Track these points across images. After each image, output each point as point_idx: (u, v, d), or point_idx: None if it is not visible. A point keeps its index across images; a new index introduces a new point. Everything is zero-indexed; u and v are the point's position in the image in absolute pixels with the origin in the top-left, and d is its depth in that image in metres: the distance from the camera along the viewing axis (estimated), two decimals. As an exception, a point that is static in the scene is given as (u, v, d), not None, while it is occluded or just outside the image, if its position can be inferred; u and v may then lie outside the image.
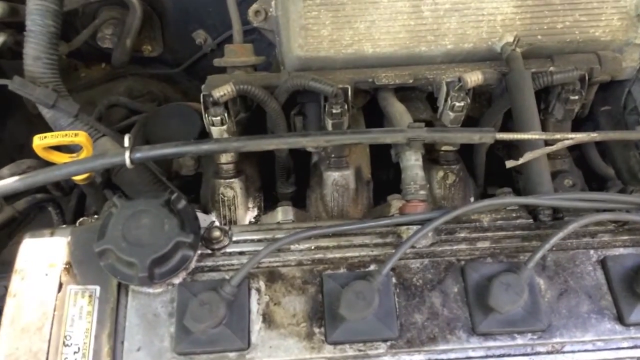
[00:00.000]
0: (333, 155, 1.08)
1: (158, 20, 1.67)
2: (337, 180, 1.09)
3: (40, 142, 0.94)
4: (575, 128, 1.18)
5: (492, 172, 1.21)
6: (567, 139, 0.88)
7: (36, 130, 1.02)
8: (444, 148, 1.10)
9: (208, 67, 1.15)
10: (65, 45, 1.51)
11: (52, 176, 0.87)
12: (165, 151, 0.88)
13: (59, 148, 1.00)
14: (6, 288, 1.09)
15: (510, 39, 1.04)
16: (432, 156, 1.12)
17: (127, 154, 0.87)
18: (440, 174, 1.10)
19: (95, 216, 0.98)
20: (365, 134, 0.94)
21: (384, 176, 1.22)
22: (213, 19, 1.66)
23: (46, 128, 1.17)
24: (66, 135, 0.95)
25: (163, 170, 1.22)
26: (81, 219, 0.96)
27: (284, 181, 1.18)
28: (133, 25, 1.55)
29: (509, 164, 0.89)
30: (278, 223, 1.00)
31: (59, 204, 1.29)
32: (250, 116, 1.14)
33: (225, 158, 1.07)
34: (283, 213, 1.06)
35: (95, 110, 1.55)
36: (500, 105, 1.07)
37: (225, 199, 1.08)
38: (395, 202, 1.02)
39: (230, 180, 1.08)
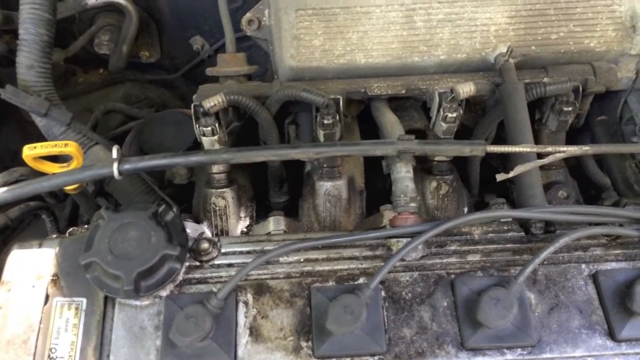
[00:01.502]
0: (325, 165, 1.07)
1: (155, 27, 1.67)
2: (329, 190, 1.08)
3: (30, 152, 0.94)
4: (572, 138, 1.17)
5: (488, 179, 1.20)
6: (560, 151, 0.88)
7: (30, 138, 1.02)
8: (437, 158, 1.09)
9: (205, 73, 1.15)
10: (62, 52, 1.51)
11: (40, 187, 0.87)
12: (153, 162, 0.88)
13: (50, 157, 1.00)
14: None
15: (504, 50, 1.03)
16: (425, 166, 1.12)
17: (115, 165, 0.87)
18: (434, 184, 1.10)
19: (86, 226, 0.98)
20: (355, 146, 0.93)
21: (380, 184, 1.21)
22: (210, 25, 1.66)
23: (40, 136, 1.17)
24: (56, 145, 0.95)
25: (156, 178, 1.21)
26: (71, 229, 0.95)
27: (276, 190, 1.17)
28: (129, 31, 1.55)
29: (500, 177, 0.88)
30: (269, 234, 0.99)
31: (53, 211, 1.28)
32: (243, 125, 1.13)
33: (217, 168, 1.07)
34: (275, 223, 1.05)
35: (92, 116, 1.56)
36: (494, 115, 1.06)
37: (217, 208, 1.07)
38: (388, 213, 1.02)
39: (222, 190, 1.08)
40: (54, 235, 0.94)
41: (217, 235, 1.06)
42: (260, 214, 1.15)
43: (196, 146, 1.14)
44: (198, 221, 1.09)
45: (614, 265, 0.87)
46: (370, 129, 1.15)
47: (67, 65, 1.73)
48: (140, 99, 1.80)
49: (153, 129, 1.39)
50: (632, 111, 1.16)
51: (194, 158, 0.89)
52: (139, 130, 1.40)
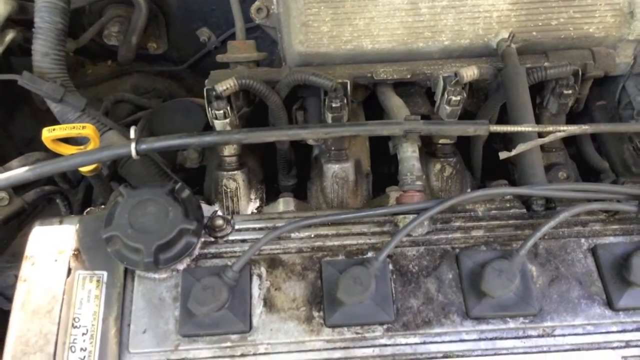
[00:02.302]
0: (333, 148, 1.11)
1: (163, 18, 1.71)
2: (337, 172, 1.11)
3: (49, 134, 0.97)
4: (571, 122, 1.20)
5: (490, 166, 1.24)
6: (560, 131, 0.91)
7: (44, 125, 1.05)
8: (441, 141, 1.13)
9: (212, 64, 1.18)
10: (72, 43, 1.54)
11: (60, 166, 0.91)
12: (169, 142, 0.91)
13: (67, 141, 1.03)
14: (16, 277, 1.12)
15: (506, 35, 1.07)
16: (429, 149, 1.15)
17: (133, 145, 0.90)
18: (438, 166, 1.13)
19: (102, 206, 1.01)
20: (363, 126, 0.97)
21: (385, 170, 1.25)
22: (216, 17, 1.69)
23: (53, 123, 1.20)
24: (74, 127, 0.98)
25: (168, 163, 1.25)
26: (89, 209, 0.99)
27: (285, 174, 1.21)
28: (139, 22, 1.58)
29: (502, 155, 0.92)
30: (279, 213, 1.03)
31: (67, 196, 1.32)
32: (252, 111, 1.17)
33: (228, 151, 1.10)
34: (284, 204, 1.09)
35: (101, 106, 1.59)
36: (496, 99, 1.10)
37: (228, 190, 1.11)
38: (394, 194, 1.05)
39: (233, 172, 1.11)
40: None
41: (229, 215, 1.10)
42: (269, 196, 1.19)
43: (206, 133, 1.18)
44: (210, 203, 1.13)
45: (612, 239, 0.90)
46: (375, 116, 1.18)
47: (76, 57, 1.77)
48: (148, 90, 1.83)
49: (163, 116, 1.43)
50: (629, 96, 1.19)
51: (208, 138, 0.92)
52: (150, 118, 1.44)
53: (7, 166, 1.17)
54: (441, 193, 1.13)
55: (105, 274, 0.85)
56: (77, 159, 0.92)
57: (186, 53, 1.79)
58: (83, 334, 0.80)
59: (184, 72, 1.84)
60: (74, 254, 0.87)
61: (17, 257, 1.16)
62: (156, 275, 0.86)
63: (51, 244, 0.88)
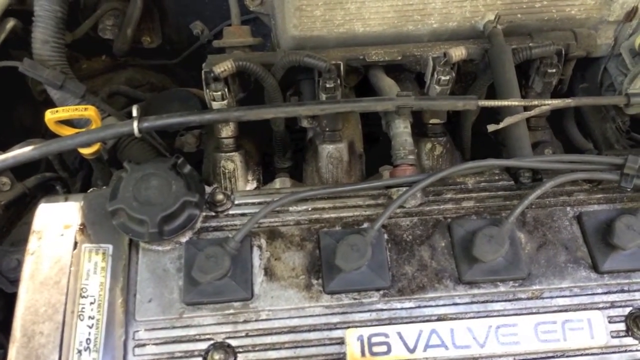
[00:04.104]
0: (327, 129, 1.14)
1: (157, 12, 1.73)
2: (331, 152, 1.15)
3: (52, 115, 1.00)
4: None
5: (481, 151, 1.28)
6: (545, 104, 0.95)
7: (42, 115, 1.08)
8: (431, 121, 1.16)
9: (205, 58, 1.22)
10: (69, 34, 1.57)
11: (65, 145, 0.93)
12: (170, 121, 0.94)
13: (69, 124, 1.06)
14: (18, 261, 1.15)
15: (492, 17, 1.11)
16: (420, 130, 1.19)
17: (135, 123, 0.93)
18: (429, 145, 1.17)
19: (104, 187, 1.04)
20: (357, 103, 1.00)
21: (377, 154, 1.28)
22: (210, 10, 1.72)
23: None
24: (77, 109, 1.01)
25: (165, 148, 1.28)
26: (91, 189, 1.02)
27: (281, 156, 1.24)
28: (133, 15, 1.61)
29: (490, 127, 0.96)
30: (277, 189, 1.06)
31: (67, 183, 1.35)
32: (247, 96, 1.20)
33: (225, 132, 1.13)
34: (281, 183, 1.13)
35: (97, 98, 1.61)
36: (484, 79, 1.14)
37: (226, 171, 1.14)
38: (386, 173, 1.09)
39: (231, 153, 1.15)
40: (77, 194, 1.00)
41: (227, 195, 1.13)
42: (266, 178, 1.22)
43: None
44: (208, 184, 1.16)
45: (596, 207, 0.95)
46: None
47: (70, 52, 1.79)
48: (142, 84, 1.85)
49: (159, 105, 1.45)
50: (611, 76, 1.24)
51: (208, 116, 0.96)
52: (146, 107, 1.46)
53: (9, 151, 1.19)
54: (432, 172, 1.16)
55: (110, 247, 0.88)
56: (81, 137, 0.95)
57: (180, 47, 1.82)
58: (91, 303, 0.83)
59: (177, 65, 1.86)
60: (79, 229, 0.90)
61: (17, 245, 1.19)
62: (160, 248, 0.89)
63: (57, 219, 0.90)
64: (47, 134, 1.16)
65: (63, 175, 1.37)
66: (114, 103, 1.68)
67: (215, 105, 1.07)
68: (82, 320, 0.82)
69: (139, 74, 1.85)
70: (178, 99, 1.45)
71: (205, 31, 1.74)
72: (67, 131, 1.04)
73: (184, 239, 0.90)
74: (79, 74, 1.80)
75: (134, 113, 0.93)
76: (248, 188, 1.16)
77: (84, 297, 0.83)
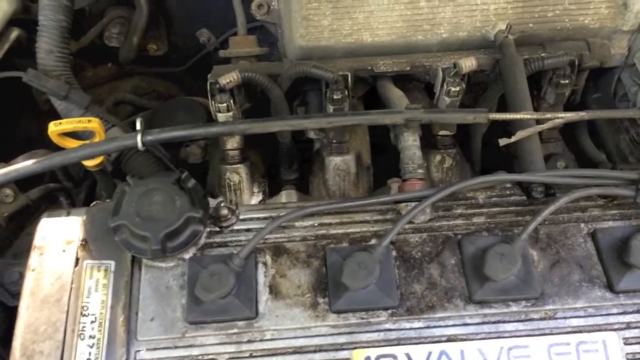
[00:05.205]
0: (334, 141, 1.12)
1: (163, 20, 1.72)
2: (338, 164, 1.13)
3: (55, 127, 0.98)
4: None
5: (492, 163, 1.25)
6: (558, 117, 0.93)
7: (47, 126, 1.06)
8: (441, 133, 1.14)
9: (212, 66, 1.20)
10: (74, 44, 1.56)
11: (69, 158, 0.92)
12: (175, 134, 0.93)
13: (72, 136, 1.04)
14: (20, 273, 1.13)
15: (503, 27, 1.09)
16: (430, 141, 1.17)
17: (139, 136, 0.92)
18: (438, 158, 1.15)
19: (108, 200, 1.03)
20: (365, 116, 0.98)
21: (385, 167, 1.26)
22: (216, 19, 1.70)
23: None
24: (80, 121, 1.00)
25: (171, 159, 1.26)
26: (94, 202, 1.00)
27: (287, 168, 1.22)
28: (139, 23, 1.60)
29: (502, 141, 0.94)
30: (283, 203, 1.04)
31: (71, 194, 1.33)
32: (253, 107, 1.18)
33: (231, 144, 1.12)
34: (287, 196, 1.11)
35: (102, 107, 1.60)
36: (495, 90, 1.12)
37: (232, 183, 1.12)
38: (395, 185, 1.07)
39: (236, 165, 1.13)
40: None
41: (232, 208, 1.11)
42: (272, 191, 1.20)
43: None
44: (213, 197, 1.14)
45: (611, 224, 0.92)
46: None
47: (76, 60, 1.78)
48: (148, 92, 1.83)
49: (165, 115, 1.44)
50: (625, 87, 1.21)
51: (213, 129, 0.94)
52: (151, 117, 1.45)
53: (12, 163, 1.18)
54: (441, 184, 1.14)
55: (112, 263, 0.87)
56: (85, 150, 0.93)
57: (186, 55, 1.80)
58: (92, 321, 0.81)
59: (184, 73, 1.85)
60: (81, 244, 0.88)
61: (20, 257, 1.18)
62: (163, 264, 0.87)
63: (59, 234, 0.89)
64: (52, 145, 1.15)
65: (67, 185, 1.35)
66: (120, 112, 1.67)
67: (221, 116, 1.05)
68: (82, 339, 0.80)
69: (145, 82, 1.84)
70: (183, 108, 1.43)
71: (211, 39, 1.72)
72: (71, 143, 1.03)
73: (187, 256, 0.88)
74: (84, 82, 1.80)
75: (138, 126, 0.92)
76: (253, 201, 1.15)
77: (84, 315, 0.81)
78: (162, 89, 1.85)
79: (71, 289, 0.83)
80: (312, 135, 1.15)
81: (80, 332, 0.80)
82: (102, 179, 1.14)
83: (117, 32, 1.67)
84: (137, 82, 1.83)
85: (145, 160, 1.19)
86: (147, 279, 0.86)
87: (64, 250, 0.87)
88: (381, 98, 1.14)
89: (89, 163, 1.04)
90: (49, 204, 1.40)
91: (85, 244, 0.88)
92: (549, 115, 0.94)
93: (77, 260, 0.86)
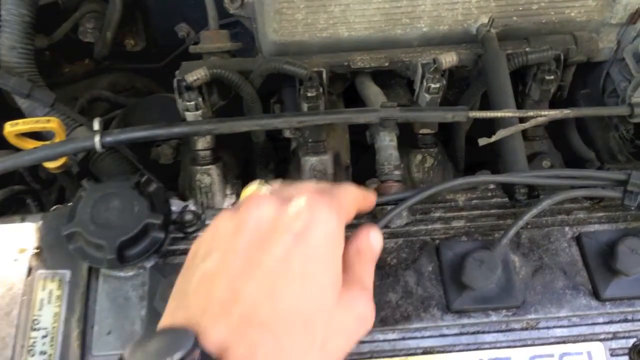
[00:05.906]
0: (310, 140, 1.07)
1: (140, 14, 1.67)
2: (314, 165, 1.08)
3: (11, 128, 0.93)
4: (555, 111, 1.17)
5: (478, 161, 1.21)
6: (541, 115, 0.88)
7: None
8: (421, 131, 1.09)
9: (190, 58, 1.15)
10: (45, 39, 1.50)
11: (22, 161, 0.87)
12: (135, 134, 0.87)
13: (34, 137, 0.99)
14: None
15: (485, 21, 1.03)
16: (410, 140, 1.12)
17: (97, 137, 0.86)
18: (419, 157, 1.10)
19: (70, 203, 0.97)
20: (338, 114, 0.93)
21: (366, 165, 1.21)
22: (195, 13, 1.64)
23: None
24: (38, 121, 0.94)
25: (141, 160, 1.21)
26: (55, 207, 0.95)
27: (262, 168, 1.17)
28: (113, 17, 1.54)
29: (482, 141, 0.89)
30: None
31: (39, 196, 1.28)
32: (229, 105, 1.13)
33: (201, 144, 1.06)
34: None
35: (77, 104, 1.55)
36: (477, 87, 1.07)
37: (202, 185, 1.07)
38: (373, 186, 1.02)
39: (207, 166, 1.07)
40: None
41: (202, 211, 1.06)
42: (246, 192, 1.15)
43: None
44: (184, 199, 1.09)
45: (597, 227, 0.87)
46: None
47: (53, 56, 1.73)
48: (126, 88, 1.78)
49: (138, 113, 1.39)
50: (614, 82, 1.16)
51: (176, 129, 0.89)
52: (124, 115, 1.40)
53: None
54: (422, 185, 1.10)
55: (68, 273, 0.81)
56: (40, 152, 0.88)
57: (165, 50, 1.75)
58: (43, 336, 0.76)
59: (163, 69, 1.79)
60: (35, 253, 0.83)
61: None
62: (122, 274, 0.82)
63: (11, 242, 0.83)
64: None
65: (35, 187, 1.30)
66: (95, 109, 1.62)
67: (189, 115, 1.00)
68: (32, 356, 0.75)
69: (123, 78, 1.79)
70: (158, 106, 1.38)
71: (191, 33, 1.66)
72: (31, 144, 0.97)
73: (148, 264, 0.83)
74: (60, 79, 1.75)
75: (95, 127, 0.86)
76: (226, 203, 1.09)
77: (35, 329, 0.76)
78: (140, 86, 1.80)
79: (22, 301, 0.78)
80: (287, 134, 1.10)
81: (29, 348, 0.75)
82: (67, 182, 1.09)
83: (91, 27, 1.61)
84: (115, 79, 1.77)
85: (114, 160, 1.13)
86: (105, 289, 0.81)
87: (15, 260, 0.82)
88: (360, 95, 1.09)
89: (50, 165, 0.99)
90: (19, 206, 1.35)
91: (39, 252, 0.83)
92: (532, 113, 0.89)
93: (29, 269, 0.81)
